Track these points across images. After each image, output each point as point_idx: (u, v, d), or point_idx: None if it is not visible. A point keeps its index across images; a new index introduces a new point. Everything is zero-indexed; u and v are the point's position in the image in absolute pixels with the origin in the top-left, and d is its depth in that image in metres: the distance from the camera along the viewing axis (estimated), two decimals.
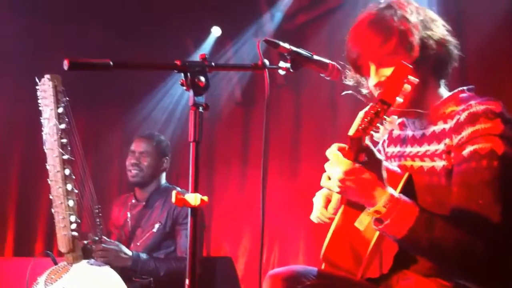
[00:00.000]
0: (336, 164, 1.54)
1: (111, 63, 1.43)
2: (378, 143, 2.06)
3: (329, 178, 1.58)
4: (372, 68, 1.76)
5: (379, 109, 1.49)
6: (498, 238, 1.53)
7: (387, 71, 1.70)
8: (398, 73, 1.51)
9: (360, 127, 1.50)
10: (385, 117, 1.50)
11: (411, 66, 1.52)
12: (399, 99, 1.51)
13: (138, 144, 3.58)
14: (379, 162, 1.57)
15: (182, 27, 5.50)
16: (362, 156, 1.53)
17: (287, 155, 5.25)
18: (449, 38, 1.77)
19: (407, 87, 1.52)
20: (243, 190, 5.62)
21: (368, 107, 1.52)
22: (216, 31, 5.53)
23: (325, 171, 1.60)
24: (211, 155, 5.95)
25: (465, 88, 1.80)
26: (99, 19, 5.36)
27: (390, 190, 1.56)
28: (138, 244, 3.40)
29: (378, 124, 1.50)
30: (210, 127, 5.79)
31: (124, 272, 2.97)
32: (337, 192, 1.59)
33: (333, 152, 1.56)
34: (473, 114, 1.63)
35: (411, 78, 1.52)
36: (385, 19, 1.73)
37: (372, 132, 1.51)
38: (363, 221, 1.59)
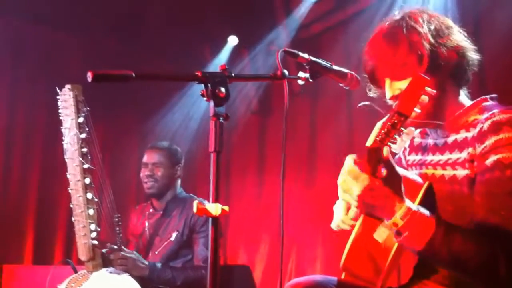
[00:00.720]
0: (354, 180, 1.52)
1: (134, 74, 1.45)
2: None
3: (347, 191, 1.57)
4: (387, 81, 1.77)
5: (395, 121, 1.49)
6: None
7: (401, 84, 1.71)
8: (414, 85, 1.51)
9: (377, 138, 1.50)
10: (402, 128, 1.51)
11: (428, 78, 1.52)
12: (417, 110, 1.52)
13: (150, 155, 3.60)
14: (398, 177, 1.56)
15: (199, 36, 5.53)
16: (380, 169, 1.52)
17: (304, 163, 5.25)
18: (466, 44, 1.77)
19: (425, 98, 1.52)
20: (259, 198, 5.62)
21: (385, 118, 1.52)
22: (232, 40, 5.56)
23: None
24: (228, 164, 5.96)
25: (488, 96, 1.79)
26: (116, 28, 5.42)
27: (407, 203, 1.55)
28: (156, 253, 3.42)
29: (395, 136, 1.50)
30: (226, 136, 5.80)
31: (142, 281, 2.99)
32: (356, 207, 1.58)
33: (349, 167, 1.54)
34: (496, 123, 1.62)
35: (428, 89, 1.52)
36: (395, 31, 1.74)
37: (389, 143, 1.51)
38: (382, 234, 1.59)
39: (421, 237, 1.53)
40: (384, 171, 1.52)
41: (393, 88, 1.75)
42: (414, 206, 1.56)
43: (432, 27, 1.73)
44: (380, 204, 1.54)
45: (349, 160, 1.56)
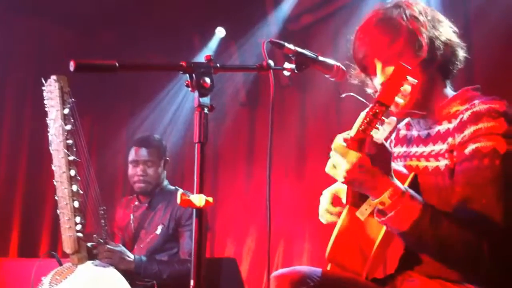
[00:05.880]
0: (343, 155, 1.53)
1: (117, 64, 1.43)
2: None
3: (334, 166, 1.57)
4: (378, 66, 1.76)
5: (377, 110, 1.51)
6: (501, 238, 1.52)
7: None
8: (396, 74, 1.52)
9: (360, 128, 1.51)
10: (383, 118, 1.51)
11: (409, 68, 1.52)
12: (400, 100, 1.52)
13: (139, 152, 3.51)
14: (388, 155, 1.57)
15: (187, 28, 5.51)
16: (367, 147, 1.53)
17: (292, 155, 5.26)
18: (456, 39, 1.77)
19: (407, 87, 1.53)
20: (247, 191, 5.62)
21: (368, 108, 1.53)
22: (220, 32, 5.53)
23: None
24: (216, 156, 5.96)
25: (470, 87, 1.80)
26: (105, 19, 5.38)
27: (396, 182, 1.56)
28: (142, 246, 3.40)
29: (377, 125, 1.51)
30: (214, 128, 5.80)
31: (127, 275, 2.97)
32: (342, 182, 1.58)
33: (338, 144, 1.55)
34: (476, 113, 1.63)
35: (410, 79, 1.52)
36: (393, 18, 1.73)
37: (371, 133, 1.51)
38: (364, 212, 1.59)
39: (406, 217, 1.53)
40: (371, 149, 1.53)
41: (385, 73, 1.74)
42: (403, 187, 1.56)
43: (429, 18, 1.73)
44: (368, 182, 1.54)
45: (339, 138, 1.57)
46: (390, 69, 1.72)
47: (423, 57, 1.69)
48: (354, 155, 1.51)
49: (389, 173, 1.56)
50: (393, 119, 1.55)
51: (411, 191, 1.57)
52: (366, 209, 1.59)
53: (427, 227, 1.52)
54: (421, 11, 1.74)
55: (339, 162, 1.54)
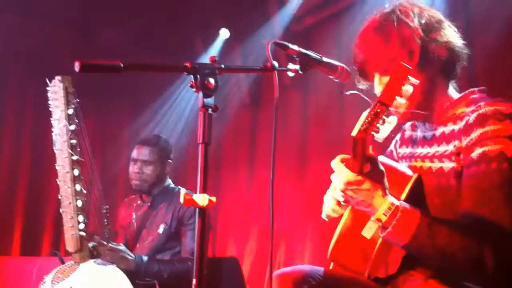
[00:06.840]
0: (338, 175, 1.60)
1: (122, 65, 1.44)
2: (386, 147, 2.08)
3: (333, 187, 1.66)
4: (376, 76, 1.78)
5: (378, 110, 1.53)
6: (508, 242, 1.52)
7: None
8: (397, 75, 1.54)
9: (362, 128, 1.54)
10: (384, 117, 1.53)
11: (410, 67, 1.53)
12: (401, 100, 1.54)
13: (140, 151, 3.51)
14: (381, 173, 1.61)
15: (192, 29, 5.51)
16: (367, 166, 1.58)
17: (294, 155, 5.26)
18: (455, 39, 1.77)
19: (409, 88, 1.54)
20: (249, 191, 5.63)
21: (370, 107, 1.55)
22: (224, 33, 5.54)
23: (331, 171, 1.66)
24: (218, 156, 5.96)
25: (476, 89, 1.80)
26: (108, 21, 5.39)
27: (390, 198, 1.58)
28: (144, 245, 3.41)
29: (378, 125, 1.53)
30: (217, 129, 5.80)
31: (128, 274, 2.97)
32: (343, 202, 1.65)
33: (336, 163, 1.63)
34: (482, 115, 1.63)
35: (411, 79, 1.53)
36: (386, 26, 1.74)
37: (372, 132, 1.53)
38: (369, 231, 1.63)
39: (405, 231, 1.54)
40: (369, 168, 1.58)
41: (382, 83, 1.76)
42: (397, 201, 1.59)
43: (423, 22, 1.73)
44: (363, 200, 1.59)
45: (336, 158, 1.64)
46: (387, 79, 1.73)
47: (416, 62, 1.70)
48: (347, 174, 1.58)
49: (384, 190, 1.59)
50: (394, 118, 1.57)
51: (406, 205, 1.58)
52: (370, 228, 1.62)
53: (425, 239, 1.54)
54: (415, 15, 1.74)
55: (335, 181, 1.62)
